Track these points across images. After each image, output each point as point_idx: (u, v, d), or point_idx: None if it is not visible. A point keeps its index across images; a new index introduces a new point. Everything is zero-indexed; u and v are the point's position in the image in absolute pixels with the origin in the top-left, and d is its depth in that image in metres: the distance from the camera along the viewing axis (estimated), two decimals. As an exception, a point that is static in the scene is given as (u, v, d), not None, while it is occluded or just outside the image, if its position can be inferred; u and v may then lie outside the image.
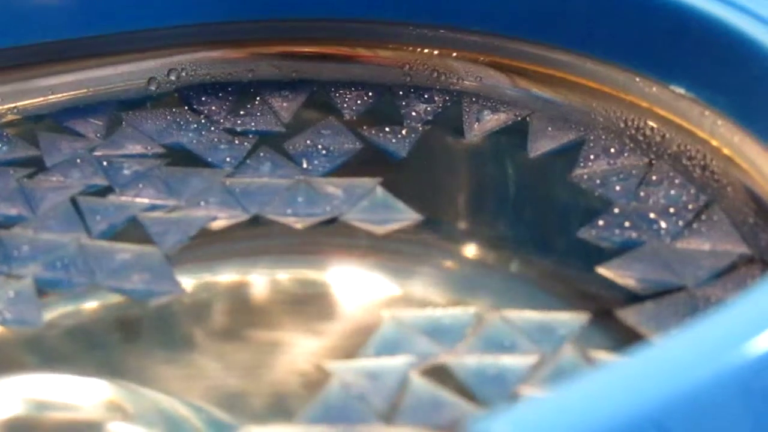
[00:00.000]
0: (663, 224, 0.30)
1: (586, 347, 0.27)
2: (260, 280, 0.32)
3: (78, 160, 0.34)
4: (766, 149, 0.29)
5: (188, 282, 0.31)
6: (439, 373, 0.26)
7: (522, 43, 0.35)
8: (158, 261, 0.30)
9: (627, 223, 0.30)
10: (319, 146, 0.35)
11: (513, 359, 0.26)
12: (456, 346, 0.27)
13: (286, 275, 0.33)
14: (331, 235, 0.32)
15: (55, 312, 0.31)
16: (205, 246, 0.32)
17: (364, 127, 0.36)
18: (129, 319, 0.30)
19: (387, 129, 0.35)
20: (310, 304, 0.32)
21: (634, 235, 0.30)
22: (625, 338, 0.27)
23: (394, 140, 0.35)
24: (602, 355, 0.27)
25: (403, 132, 0.35)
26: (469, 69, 0.36)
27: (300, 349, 0.30)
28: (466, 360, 0.26)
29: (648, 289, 0.28)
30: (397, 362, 0.27)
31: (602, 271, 0.29)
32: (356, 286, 0.32)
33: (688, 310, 0.28)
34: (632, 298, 0.29)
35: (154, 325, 0.31)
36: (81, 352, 0.30)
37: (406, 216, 0.32)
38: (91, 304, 0.31)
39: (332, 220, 0.32)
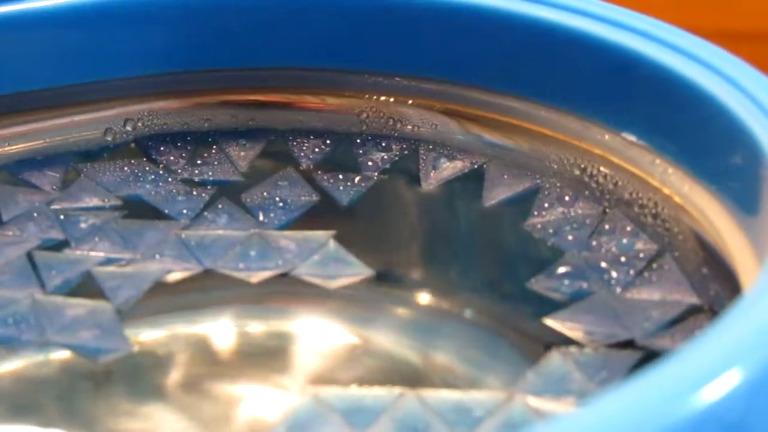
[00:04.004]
0: (614, 273, 0.30)
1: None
2: (218, 332, 0.32)
3: (35, 214, 0.34)
4: (716, 198, 0.29)
5: (146, 335, 0.31)
6: None
7: (477, 91, 0.35)
8: (109, 317, 0.30)
9: (578, 274, 0.30)
10: (277, 198, 0.35)
11: None
12: (368, 428, 0.26)
13: (243, 326, 0.32)
14: (286, 284, 0.32)
15: (18, 364, 0.30)
16: (162, 298, 0.32)
17: (319, 172, 0.35)
18: (89, 373, 0.30)
19: (341, 177, 0.35)
20: (268, 356, 0.32)
21: (584, 285, 0.30)
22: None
23: (342, 188, 0.35)
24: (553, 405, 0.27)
25: (356, 180, 0.35)
26: (425, 117, 0.36)
27: (260, 402, 0.30)
28: None
29: (596, 341, 0.28)
30: None
31: (550, 322, 0.29)
32: (315, 336, 0.32)
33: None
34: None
35: (114, 378, 0.30)
36: (43, 406, 0.30)
37: (358, 271, 0.32)
38: (52, 357, 0.31)
39: (285, 274, 0.32)
